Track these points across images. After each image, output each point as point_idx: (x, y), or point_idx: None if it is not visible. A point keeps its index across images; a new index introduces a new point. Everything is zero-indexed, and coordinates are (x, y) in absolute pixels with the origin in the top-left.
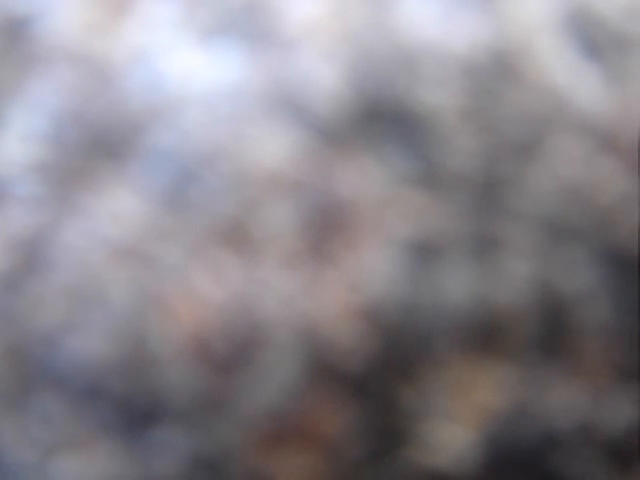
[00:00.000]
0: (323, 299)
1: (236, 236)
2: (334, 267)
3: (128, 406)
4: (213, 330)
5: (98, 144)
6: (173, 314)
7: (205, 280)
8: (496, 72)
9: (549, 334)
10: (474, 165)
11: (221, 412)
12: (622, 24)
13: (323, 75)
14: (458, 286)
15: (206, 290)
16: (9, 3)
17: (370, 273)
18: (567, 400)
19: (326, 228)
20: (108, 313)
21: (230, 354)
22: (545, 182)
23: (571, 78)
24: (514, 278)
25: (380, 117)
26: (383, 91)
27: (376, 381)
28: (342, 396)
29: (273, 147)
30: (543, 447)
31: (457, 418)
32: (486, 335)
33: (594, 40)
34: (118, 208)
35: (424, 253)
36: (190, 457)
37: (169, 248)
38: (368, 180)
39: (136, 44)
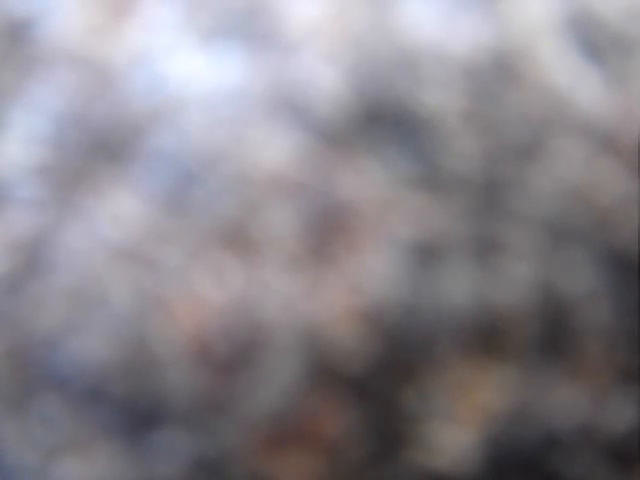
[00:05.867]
0: (324, 301)
1: (237, 238)
2: (335, 269)
3: (129, 408)
4: (214, 332)
5: (99, 146)
6: (174, 316)
7: (206, 282)
8: (497, 74)
9: (550, 336)
10: (475, 167)
11: (222, 414)
12: (623, 26)
13: (324, 77)
14: (459, 288)
15: (207, 292)
16: (10, 5)
17: (371, 275)
18: (568, 401)
19: (327, 230)
20: (109, 315)
21: (231, 356)
22: (546, 184)
23: (572, 80)
24: (515, 280)
25: (381, 119)
26: (384, 93)
27: (377, 383)
28: (343, 398)
29: (274, 149)
30: (544, 448)
31: (458, 419)
32: (487, 337)
33: (595, 42)
34: (119, 210)
35: (425, 255)
36: (191, 459)
37: (170, 250)
38: (369, 182)
39: (137, 46)
